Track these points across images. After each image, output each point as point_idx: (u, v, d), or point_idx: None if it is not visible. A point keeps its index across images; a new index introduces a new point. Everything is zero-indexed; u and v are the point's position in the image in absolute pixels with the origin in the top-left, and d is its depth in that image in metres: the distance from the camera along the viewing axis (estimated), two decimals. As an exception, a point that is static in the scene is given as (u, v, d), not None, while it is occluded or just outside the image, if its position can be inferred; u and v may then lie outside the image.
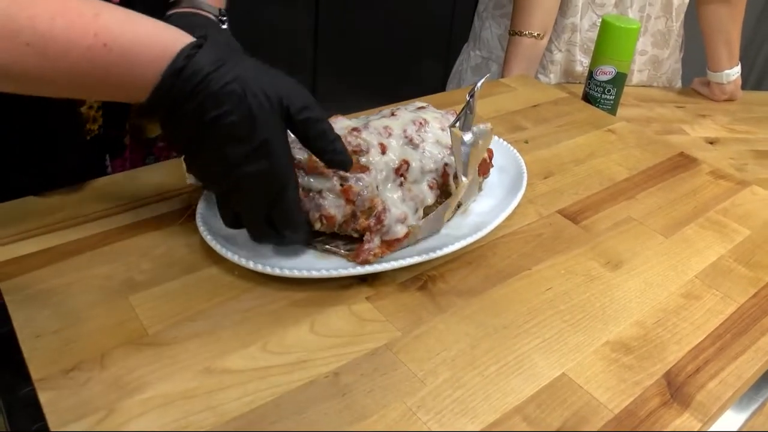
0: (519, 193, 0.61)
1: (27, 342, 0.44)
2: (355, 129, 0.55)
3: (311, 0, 2.29)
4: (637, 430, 0.41)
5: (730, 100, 1.22)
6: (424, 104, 0.63)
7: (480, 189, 0.61)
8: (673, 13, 1.18)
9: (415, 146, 0.56)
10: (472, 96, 0.52)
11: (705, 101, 1.22)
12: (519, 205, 0.61)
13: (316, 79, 2.22)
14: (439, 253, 0.52)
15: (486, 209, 0.60)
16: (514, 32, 1.07)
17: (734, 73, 1.18)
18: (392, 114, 0.59)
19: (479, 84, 0.52)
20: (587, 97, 0.97)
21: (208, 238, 0.51)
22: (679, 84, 1.32)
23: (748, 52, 2.26)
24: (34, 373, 0.42)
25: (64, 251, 0.52)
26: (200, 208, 0.55)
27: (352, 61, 2.30)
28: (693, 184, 0.71)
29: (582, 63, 1.21)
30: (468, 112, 0.51)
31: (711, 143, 1.03)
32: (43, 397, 0.40)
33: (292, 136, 0.47)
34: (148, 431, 0.38)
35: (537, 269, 0.55)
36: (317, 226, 0.52)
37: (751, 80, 2.35)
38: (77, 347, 0.44)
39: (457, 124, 0.51)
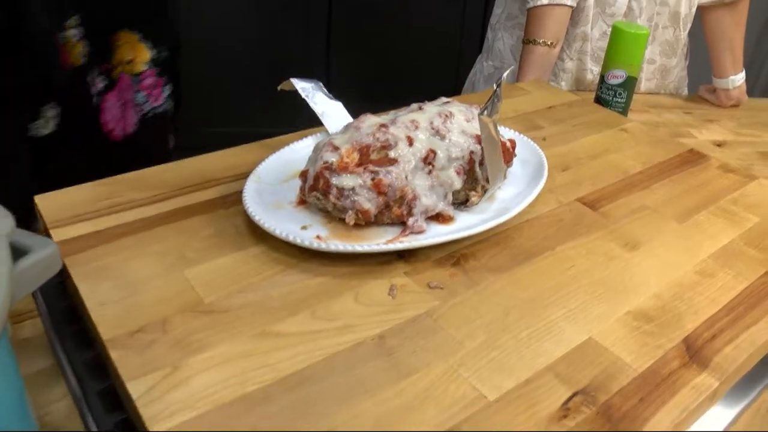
0: (541, 181, 0.65)
1: (94, 309, 0.47)
2: (383, 125, 0.59)
3: (324, 15, 2.35)
4: (660, 387, 0.45)
5: (735, 105, 1.26)
6: (449, 99, 0.67)
7: (505, 177, 0.65)
8: (680, 23, 1.22)
9: (442, 137, 0.60)
10: (499, 85, 0.56)
11: (711, 107, 1.26)
12: (540, 194, 0.64)
13: (329, 89, 2.27)
14: (470, 232, 0.56)
15: (510, 196, 0.64)
16: (527, 41, 1.12)
17: (739, 79, 1.22)
18: (419, 108, 0.63)
19: (505, 74, 0.57)
20: (599, 101, 1.01)
21: (256, 218, 0.55)
22: (685, 91, 1.37)
23: (755, 61, 2.30)
24: (104, 334, 0.45)
25: (118, 232, 0.56)
26: (247, 190, 0.58)
27: (364, 72, 2.35)
28: (703, 177, 0.75)
29: (592, 71, 1.25)
30: (495, 100, 0.55)
31: (718, 145, 1.07)
32: (114, 354, 0.44)
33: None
34: (211, 385, 0.42)
35: (560, 249, 0.59)
36: (354, 220, 0.56)
37: (758, 88, 2.39)
38: (140, 313, 0.47)
39: (485, 112, 0.55)
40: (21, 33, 0.66)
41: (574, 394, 0.43)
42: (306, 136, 0.70)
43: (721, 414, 0.49)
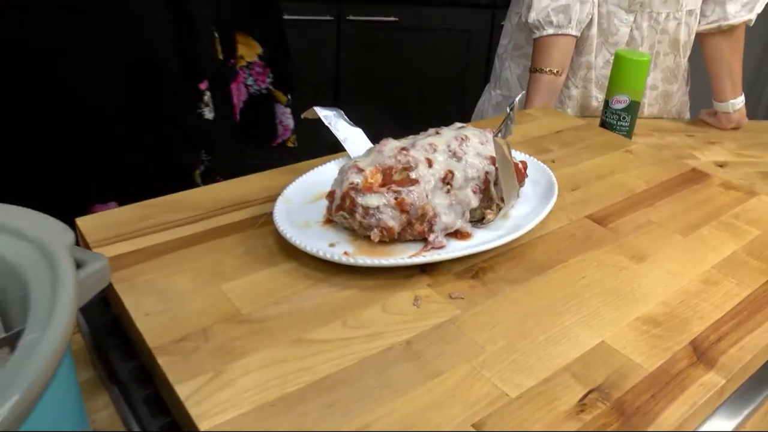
0: (552, 199, 0.68)
1: (139, 319, 0.51)
2: (403, 148, 0.64)
3: (332, 46, 2.42)
4: (670, 385, 0.48)
5: (736, 128, 1.30)
6: (464, 125, 0.71)
7: (518, 196, 0.69)
8: (681, 50, 1.27)
9: (459, 158, 0.64)
10: (512, 109, 0.60)
11: (713, 130, 1.30)
12: (552, 212, 0.68)
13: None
14: (488, 246, 0.60)
15: (523, 214, 0.68)
16: (534, 69, 1.17)
17: (739, 102, 1.26)
18: (436, 133, 0.68)
19: (517, 99, 0.61)
20: (604, 125, 1.05)
21: (287, 235, 0.59)
22: (687, 115, 1.41)
23: (756, 84, 2.34)
24: (150, 342, 0.49)
25: (157, 251, 0.60)
26: (277, 210, 0.62)
27: (372, 102, 2.41)
28: (706, 194, 0.79)
29: (597, 98, 1.30)
30: (509, 122, 0.59)
31: (720, 166, 1.11)
32: (161, 360, 0.47)
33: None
34: (252, 386, 0.45)
35: (572, 262, 0.62)
36: (379, 237, 0.60)
37: (761, 110, 2.42)
38: (182, 323, 0.51)
39: (499, 134, 0.59)
40: (192, 32, 0.86)
41: (590, 392, 0.47)
42: (329, 161, 0.74)
43: (730, 416, 0.52)
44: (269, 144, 1.13)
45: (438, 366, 0.48)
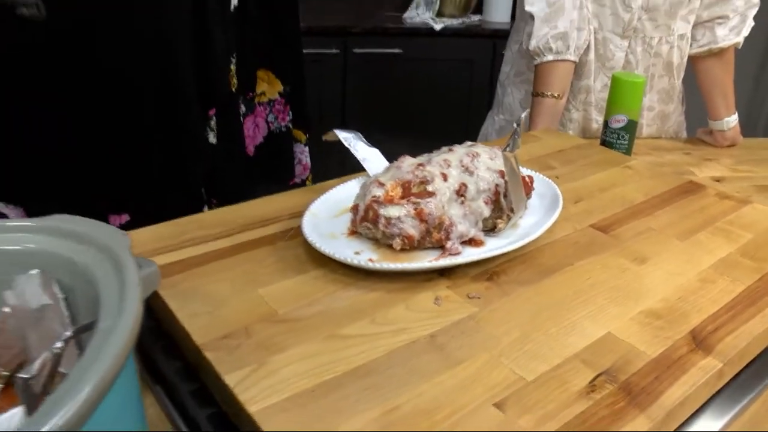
0: (557, 210, 0.74)
1: (185, 320, 0.56)
2: (420, 164, 0.69)
3: (339, 75, 2.50)
4: (672, 368, 0.53)
5: (732, 145, 1.36)
6: (473, 143, 0.77)
7: (525, 207, 0.74)
8: (674, 72, 1.34)
9: (471, 173, 0.70)
10: (518, 124, 0.66)
11: (709, 148, 1.36)
12: (557, 222, 0.73)
13: (343, 146, 2.40)
14: (501, 250, 0.65)
15: (531, 224, 0.73)
16: (536, 94, 1.23)
17: (733, 120, 1.32)
18: (449, 150, 0.73)
19: (524, 115, 0.67)
20: (604, 143, 1.11)
21: (316, 245, 0.64)
22: (684, 135, 1.47)
23: (753, 103, 2.39)
24: (197, 340, 0.54)
25: (197, 261, 0.65)
26: (305, 223, 0.68)
27: (379, 130, 2.48)
28: (701, 203, 0.84)
29: (597, 121, 1.36)
30: (516, 137, 0.65)
31: (717, 181, 1.16)
32: (209, 355, 0.52)
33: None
34: (293, 375, 0.50)
35: (578, 264, 0.67)
36: (400, 246, 0.65)
37: (760, 128, 2.47)
38: (225, 323, 0.56)
39: (508, 148, 0.65)
40: (204, 65, 0.92)
41: (599, 375, 0.51)
42: (349, 180, 0.80)
43: (730, 404, 0.57)
44: (288, 182, 1.17)
45: (460, 355, 0.53)
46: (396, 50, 2.54)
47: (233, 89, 0.98)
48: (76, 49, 0.81)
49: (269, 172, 1.12)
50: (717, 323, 0.59)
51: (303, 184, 1.18)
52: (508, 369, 0.52)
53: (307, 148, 1.17)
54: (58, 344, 0.44)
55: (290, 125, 1.13)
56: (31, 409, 0.45)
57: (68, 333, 0.44)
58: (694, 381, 0.52)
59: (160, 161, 0.91)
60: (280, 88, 1.09)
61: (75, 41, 0.80)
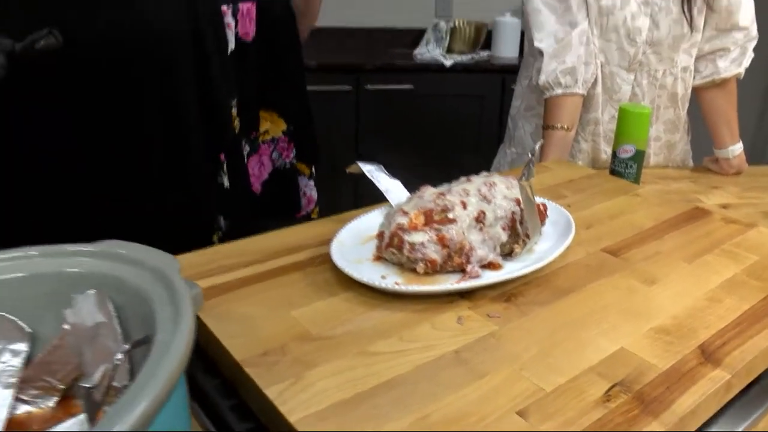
0: (570, 235, 0.78)
1: (225, 339, 0.60)
2: (441, 193, 0.74)
3: (353, 112, 2.56)
4: (682, 379, 0.56)
5: (738, 173, 1.40)
6: (489, 173, 0.81)
7: (540, 233, 0.78)
8: (679, 103, 1.39)
9: (488, 201, 0.74)
10: (533, 155, 0.70)
11: (716, 175, 1.40)
12: (570, 246, 0.77)
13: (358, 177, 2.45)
14: (519, 273, 0.69)
15: (546, 248, 0.77)
16: (546, 126, 1.28)
17: (738, 148, 1.37)
18: (467, 180, 0.78)
19: (537, 146, 0.71)
20: (613, 173, 1.15)
21: (345, 269, 0.68)
22: (691, 163, 1.51)
23: (760, 131, 2.42)
24: (237, 357, 0.58)
25: (232, 286, 0.70)
26: (333, 250, 0.72)
27: (393, 165, 2.54)
28: (708, 228, 0.88)
29: (606, 152, 1.40)
30: (531, 166, 0.69)
31: (724, 207, 1.20)
32: (249, 371, 0.56)
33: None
34: (329, 388, 0.54)
35: (591, 286, 0.71)
36: (423, 270, 0.69)
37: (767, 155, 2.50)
38: (262, 342, 0.60)
39: (523, 177, 0.69)
40: (209, 108, 0.94)
41: (613, 386, 0.55)
42: (372, 210, 0.84)
43: (742, 417, 0.60)
44: (294, 215, 1.19)
45: (483, 369, 0.57)
46: (407, 86, 2.61)
47: (237, 130, 1.01)
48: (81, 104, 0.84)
49: (275, 207, 1.14)
50: (724, 338, 0.63)
51: (309, 217, 1.21)
52: (529, 381, 0.55)
53: (312, 182, 1.20)
54: (119, 356, 0.48)
55: (294, 161, 1.15)
56: (91, 418, 0.49)
57: (127, 346, 0.49)
58: (703, 391, 0.55)
59: (173, 210, 0.94)
60: (284, 126, 1.11)
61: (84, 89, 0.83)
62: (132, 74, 0.86)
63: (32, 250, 0.53)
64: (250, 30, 1.00)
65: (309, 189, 1.20)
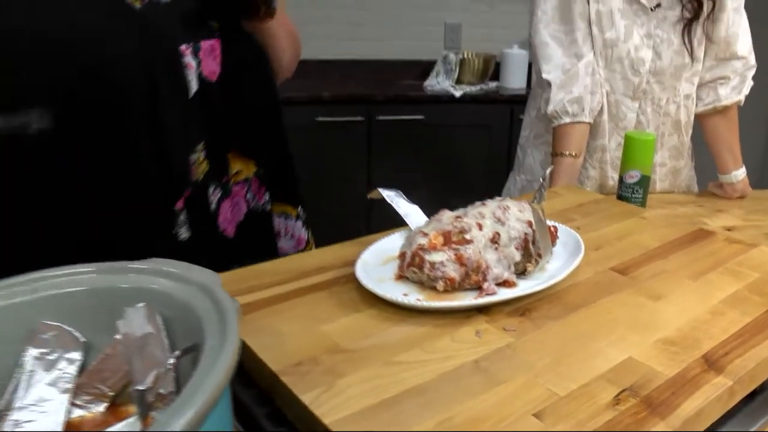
0: (580, 255, 0.82)
1: (261, 352, 0.65)
2: (458, 216, 0.79)
3: (364, 142, 2.62)
4: (687, 385, 0.61)
5: (742, 197, 1.45)
6: (503, 198, 0.86)
7: (551, 253, 0.83)
8: (683, 130, 1.44)
9: (502, 223, 0.79)
10: (544, 179, 0.75)
11: (721, 200, 1.45)
12: (580, 266, 0.82)
13: (372, 206, 2.51)
14: (533, 289, 0.74)
15: (557, 267, 0.82)
16: (555, 153, 1.34)
17: (741, 173, 1.42)
18: (482, 204, 0.83)
19: (548, 171, 0.76)
20: (620, 198, 1.20)
21: (369, 286, 0.73)
22: (695, 189, 1.56)
23: (767, 158, 2.47)
24: (273, 367, 0.63)
25: (264, 303, 0.75)
26: (358, 270, 0.77)
27: (404, 192, 2.59)
28: (712, 247, 0.92)
29: (613, 178, 1.45)
30: (543, 190, 0.74)
31: (729, 230, 1.24)
32: (285, 379, 0.61)
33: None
34: (358, 394, 0.59)
35: (600, 302, 0.76)
36: (443, 287, 0.74)
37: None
38: (295, 354, 0.65)
39: (535, 201, 0.74)
40: (163, 158, 0.86)
41: (622, 391, 0.59)
42: (393, 233, 0.89)
43: (748, 422, 0.64)
44: (270, 259, 1.06)
45: (501, 377, 0.61)
46: (418, 117, 2.68)
47: (202, 176, 0.92)
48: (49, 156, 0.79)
49: (250, 250, 1.03)
50: (727, 348, 0.67)
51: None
52: (544, 387, 0.60)
53: (300, 222, 1.11)
54: (171, 361, 0.53)
55: (268, 205, 1.06)
56: (143, 419, 0.54)
57: (177, 352, 0.53)
58: (706, 396, 0.59)
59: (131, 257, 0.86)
60: (254, 170, 1.03)
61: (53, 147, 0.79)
62: (80, 124, 0.80)
63: (90, 267, 0.59)
64: (214, 69, 0.91)
65: (297, 230, 1.11)
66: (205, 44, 0.89)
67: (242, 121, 0.99)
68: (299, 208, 1.11)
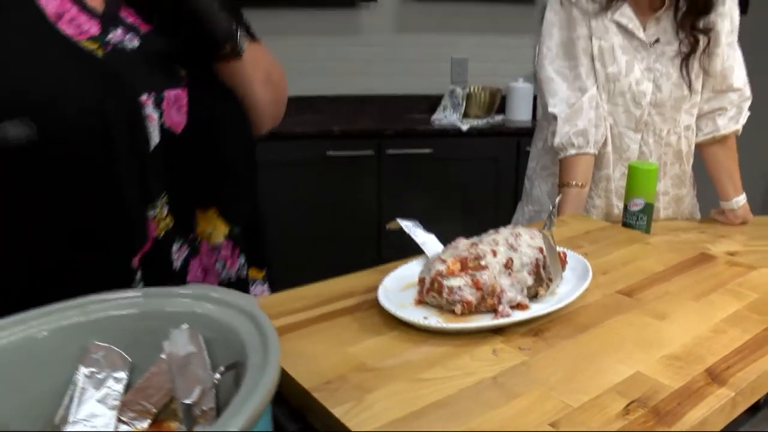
0: (588, 279, 0.87)
1: (292, 370, 0.70)
2: (473, 243, 0.85)
3: (374, 176, 2.68)
4: (691, 397, 0.65)
5: (744, 222, 1.50)
6: (513, 226, 0.92)
7: (561, 277, 0.88)
8: (684, 159, 1.50)
9: (515, 249, 0.84)
10: (554, 207, 0.81)
11: (723, 226, 1.49)
12: (588, 289, 0.87)
13: (381, 239, 2.56)
14: (545, 311, 0.79)
15: (566, 291, 0.87)
16: (562, 184, 1.39)
17: (741, 199, 1.47)
18: (496, 232, 0.88)
19: (557, 200, 0.82)
20: (625, 225, 1.25)
21: (392, 310, 0.78)
22: (698, 216, 1.61)
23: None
24: (305, 385, 0.67)
25: (292, 327, 0.80)
26: (380, 295, 0.82)
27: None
28: (713, 270, 0.97)
29: (618, 207, 1.51)
30: (552, 217, 0.80)
31: (731, 255, 1.29)
32: (316, 395, 0.66)
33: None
34: (386, 408, 0.63)
35: (608, 322, 0.80)
36: (461, 310, 0.79)
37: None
38: (324, 373, 0.70)
39: (545, 228, 0.80)
40: (118, 211, 0.83)
41: (631, 402, 0.64)
42: (411, 261, 0.95)
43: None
44: None
45: (517, 391, 0.66)
46: (426, 150, 2.74)
47: (163, 232, 0.88)
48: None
49: None
50: (729, 362, 0.71)
51: None
52: (558, 399, 0.64)
53: (266, 285, 1.06)
54: (217, 376, 0.58)
55: (244, 270, 1.00)
56: (188, 430, 0.58)
57: (222, 368, 0.58)
58: (710, 406, 0.64)
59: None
60: (225, 230, 0.96)
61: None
62: (36, 175, 0.79)
63: (138, 292, 0.64)
64: (179, 120, 0.87)
65: (265, 294, 1.05)
66: (169, 93, 0.86)
67: (213, 176, 0.94)
68: (266, 269, 1.06)
